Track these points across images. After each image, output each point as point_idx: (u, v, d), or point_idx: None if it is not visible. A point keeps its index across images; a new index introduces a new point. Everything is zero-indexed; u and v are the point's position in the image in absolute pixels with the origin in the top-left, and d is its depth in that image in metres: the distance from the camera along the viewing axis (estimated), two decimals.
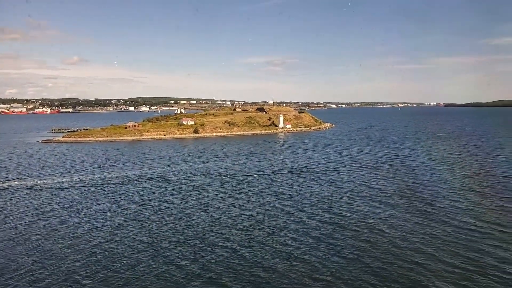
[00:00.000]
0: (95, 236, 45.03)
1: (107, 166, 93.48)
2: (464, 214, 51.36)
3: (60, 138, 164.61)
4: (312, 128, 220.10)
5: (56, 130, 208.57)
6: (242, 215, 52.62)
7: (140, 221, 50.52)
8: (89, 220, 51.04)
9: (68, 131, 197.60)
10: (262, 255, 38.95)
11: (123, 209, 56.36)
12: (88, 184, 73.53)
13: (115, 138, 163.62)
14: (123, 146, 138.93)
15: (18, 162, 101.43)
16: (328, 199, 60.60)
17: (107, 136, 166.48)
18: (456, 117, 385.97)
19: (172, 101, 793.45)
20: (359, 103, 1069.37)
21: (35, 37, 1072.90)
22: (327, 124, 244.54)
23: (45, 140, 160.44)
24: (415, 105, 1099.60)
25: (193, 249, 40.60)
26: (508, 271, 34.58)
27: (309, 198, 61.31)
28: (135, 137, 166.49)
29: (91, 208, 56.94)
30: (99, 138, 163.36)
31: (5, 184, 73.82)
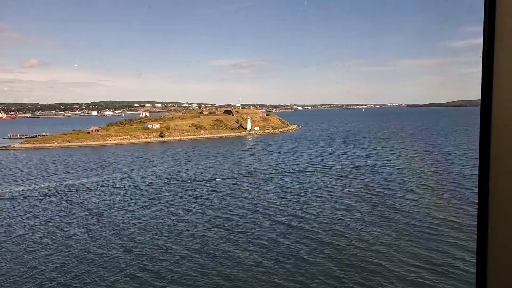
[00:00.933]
0: (43, 247, 43.03)
1: (64, 173, 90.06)
2: (422, 213, 53.16)
3: (17, 145, 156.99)
4: (279, 130, 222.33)
5: (13, 136, 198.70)
6: (201, 220, 52.01)
7: (93, 230, 48.88)
8: (37, 231, 48.74)
9: (26, 137, 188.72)
10: (219, 261, 38.68)
11: (75, 218, 54.23)
12: (41, 192, 70.44)
13: (78, 144, 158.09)
14: (86, 152, 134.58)
15: None
16: (291, 201, 61.14)
17: (69, 142, 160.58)
18: (417, 117, 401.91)
19: (137, 105, 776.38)
20: (324, 105, 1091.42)
21: None
22: (294, 126, 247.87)
23: (0, 147, 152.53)
24: (378, 106, 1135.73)
25: (147, 258, 39.73)
26: (463, 267, 36.03)
27: (271, 200, 61.64)
28: (98, 142, 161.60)
29: (40, 218, 54.45)
30: (60, 144, 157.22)
31: None
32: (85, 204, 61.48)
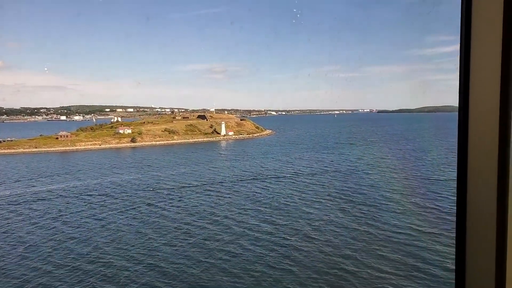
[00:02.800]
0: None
1: (28, 180, 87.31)
2: (391, 217, 54.72)
3: None
4: (254, 135, 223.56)
5: None
6: (169, 228, 51.43)
7: (57, 239, 47.44)
8: None
9: None
10: (187, 268, 38.40)
11: (37, 227, 52.52)
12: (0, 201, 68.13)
13: (46, 149, 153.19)
14: (54, 158, 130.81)
15: None
16: (261, 206, 61.58)
17: (36, 147, 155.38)
18: (387, 122, 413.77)
19: (108, 109, 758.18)
20: (298, 110, 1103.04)
21: None
22: (268, 131, 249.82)
23: None
24: (350, 111, 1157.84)
25: (113, 267, 39.00)
26: (432, 272, 37.07)
27: (242, 207, 61.75)
28: (67, 148, 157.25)
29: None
30: (26, 150, 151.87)
31: None
32: (49, 213, 59.54)
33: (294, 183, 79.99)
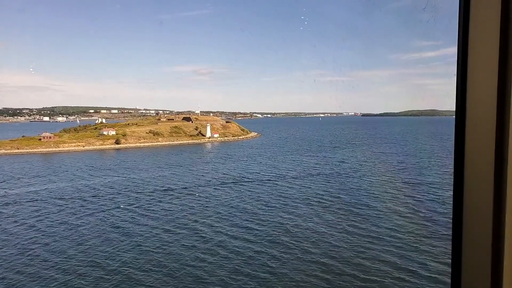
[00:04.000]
0: None
1: (9, 182, 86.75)
2: (374, 221, 55.47)
3: None
4: (239, 137, 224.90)
5: None
6: (145, 233, 50.60)
7: (23, 244, 46.66)
8: None
9: None
10: (154, 274, 38.05)
11: (2, 232, 51.65)
12: None
13: (27, 151, 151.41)
14: (36, 159, 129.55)
15: None
16: (240, 211, 61.54)
17: (18, 149, 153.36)
18: (371, 125, 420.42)
19: (92, 111, 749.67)
20: (283, 113, 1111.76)
21: None
22: (253, 134, 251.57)
23: None
24: (334, 115, 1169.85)
25: (73, 275, 38.00)
26: (406, 278, 37.45)
27: (220, 211, 61.61)
28: (50, 149, 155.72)
29: None
30: (7, 151, 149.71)
31: None
32: (17, 217, 58.48)
33: (276, 186, 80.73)
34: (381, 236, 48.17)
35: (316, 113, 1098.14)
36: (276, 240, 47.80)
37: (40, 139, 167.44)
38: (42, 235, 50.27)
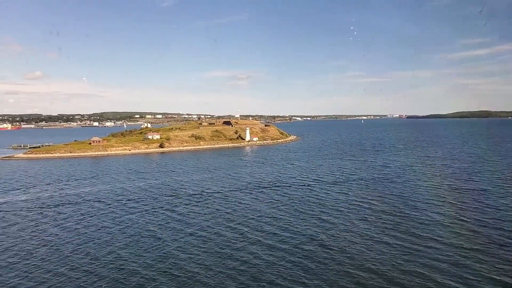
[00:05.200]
0: (31, 256, 45.21)
1: (57, 184, 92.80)
2: (416, 231, 54.20)
3: (21, 155, 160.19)
4: (278, 140, 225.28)
5: (17, 146, 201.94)
6: (184, 233, 52.64)
7: (76, 242, 49.96)
8: (23, 241, 50.94)
9: (30, 147, 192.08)
10: (196, 275, 39.27)
11: (61, 229, 55.63)
12: (31, 203, 72.73)
13: (79, 154, 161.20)
14: (87, 162, 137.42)
15: None
16: (278, 214, 61.87)
17: (71, 152, 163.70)
18: (416, 128, 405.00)
19: (138, 116, 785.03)
20: (323, 116, 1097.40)
21: None
22: (292, 137, 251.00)
23: (4, 157, 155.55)
24: (378, 117, 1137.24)
25: (124, 271, 40.50)
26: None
27: (258, 214, 62.02)
28: (99, 153, 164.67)
29: (27, 229, 56.21)
30: (62, 154, 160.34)
31: None
32: (71, 216, 62.77)
33: (313, 191, 79.13)
34: (429, 255, 44.99)
35: (358, 116, 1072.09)
36: (309, 251, 45.93)
37: (90, 143, 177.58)
38: (95, 233, 53.17)
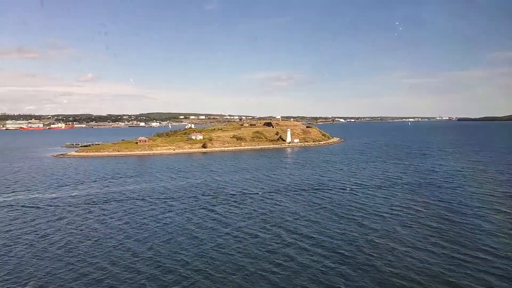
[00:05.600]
0: (76, 248, 47.72)
1: (103, 181, 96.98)
2: (463, 241, 51.63)
3: (73, 153, 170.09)
4: (320, 142, 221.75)
5: (69, 145, 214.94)
6: (221, 232, 53.24)
7: (118, 238, 51.50)
8: (69, 234, 53.60)
9: (81, 146, 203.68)
10: (230, 275, 39.56)
11: (104, 225, 57.72)
12: (79, 199, 76.66)
13: (126, 153, 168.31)
14: (132, 161, 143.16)
15: (27, 175, 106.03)
16: (316, 217, 60.95)
17: (118, 151, 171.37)
18: (467, 131, 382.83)
19: (182, 116, 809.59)
20: (368, 117, 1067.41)
21: (53, 56, 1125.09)
22: (335, 139, 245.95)
23: (59, 155, 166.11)
24: (426, 119, 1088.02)
25: (162, 268, 41.70)
26: None
27: (296, 217, 61.42)
28: (145, 152, 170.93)
29: (74, 223, 59.14)
30: (110, 153, 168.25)
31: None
32: (115, 213, 65.27)
33: (356, 195, 77.02)
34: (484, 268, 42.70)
35: (404, 118, 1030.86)
36: (347, 256, 44.36)
37: (136, 143, 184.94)
38: (135, 230, 55.07)
